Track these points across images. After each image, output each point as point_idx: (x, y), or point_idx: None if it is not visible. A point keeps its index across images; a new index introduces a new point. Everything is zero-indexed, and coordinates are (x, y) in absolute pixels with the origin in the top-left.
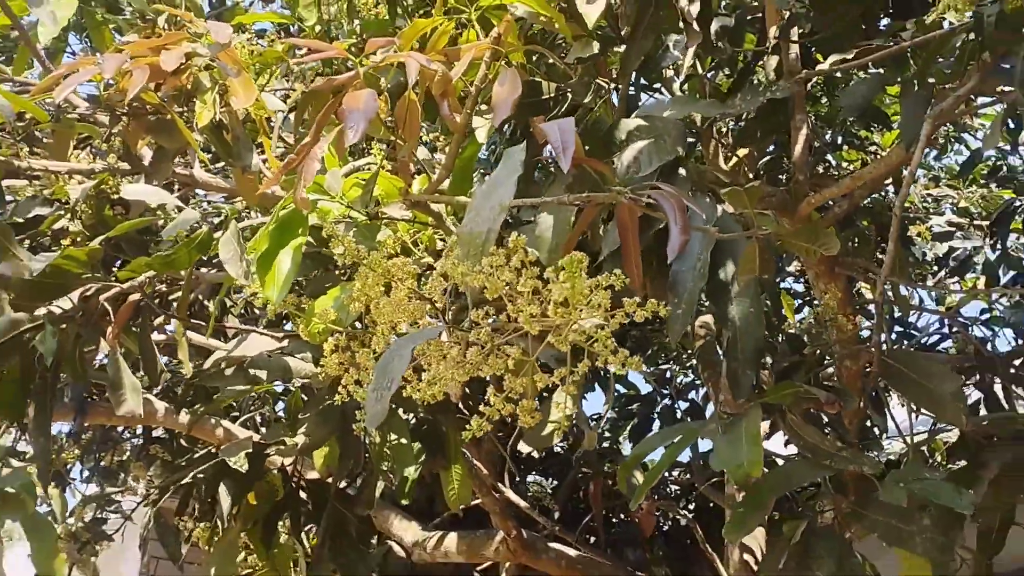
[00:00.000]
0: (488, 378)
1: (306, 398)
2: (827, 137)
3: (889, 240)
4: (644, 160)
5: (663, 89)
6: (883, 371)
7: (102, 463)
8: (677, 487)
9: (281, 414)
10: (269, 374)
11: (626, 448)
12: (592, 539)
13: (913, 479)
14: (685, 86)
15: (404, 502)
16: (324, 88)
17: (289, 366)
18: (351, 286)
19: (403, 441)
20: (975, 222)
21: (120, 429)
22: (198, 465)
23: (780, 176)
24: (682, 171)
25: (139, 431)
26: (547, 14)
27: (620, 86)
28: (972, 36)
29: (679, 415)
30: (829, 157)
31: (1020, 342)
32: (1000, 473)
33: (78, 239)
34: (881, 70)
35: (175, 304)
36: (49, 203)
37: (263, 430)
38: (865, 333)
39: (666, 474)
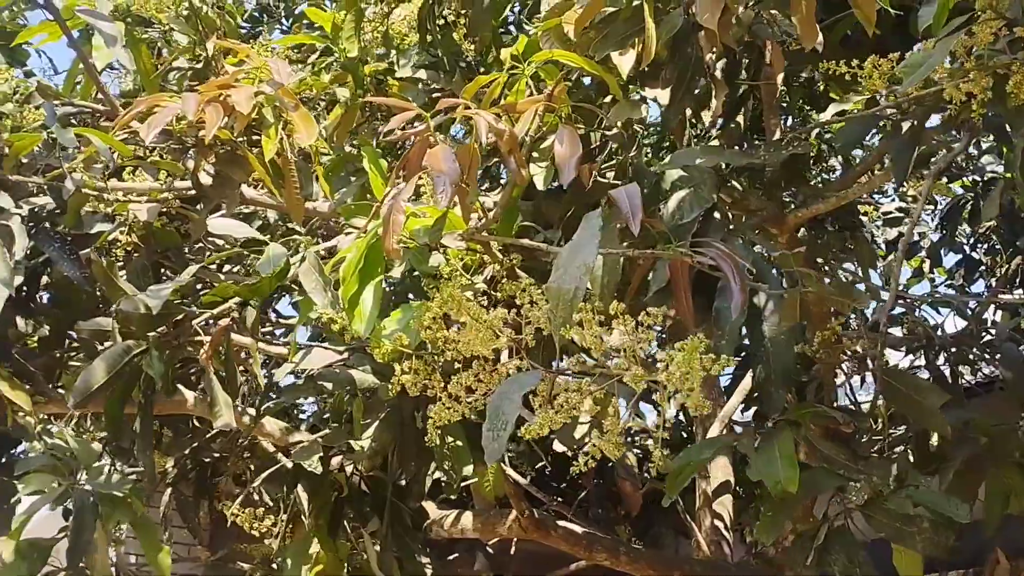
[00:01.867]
0: None
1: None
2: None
3: (891, 281)
4: (686, 208)
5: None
6: (883, 388)
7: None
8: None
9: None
10: (335, 385)
11: None
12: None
13: (915, 489)
14: (713, 132)
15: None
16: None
17: (354, 379)
18: (418, 309)
19: (459, 443)
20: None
21: None
22: (207, 446)
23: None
24: (716, 215)
25: None
26: (596, 72)
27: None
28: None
29: None
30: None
31: (964, 324)
32: (961, 468)
33: (128, 249)
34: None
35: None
36: (110, 219)
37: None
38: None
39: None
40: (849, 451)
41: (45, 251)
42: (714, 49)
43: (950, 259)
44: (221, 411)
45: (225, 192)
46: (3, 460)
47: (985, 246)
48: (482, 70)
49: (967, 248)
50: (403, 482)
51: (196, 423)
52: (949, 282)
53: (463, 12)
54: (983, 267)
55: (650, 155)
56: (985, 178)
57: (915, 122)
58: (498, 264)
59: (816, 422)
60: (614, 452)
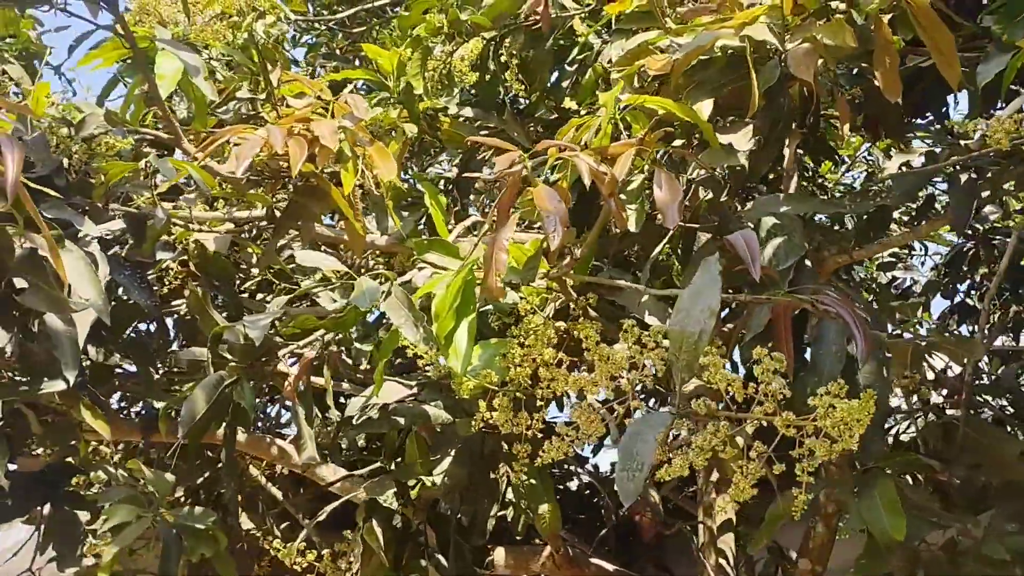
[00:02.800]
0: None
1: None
2: None
3: (978, 334)
4: (781, 256)
5: None
6: (965, 438)
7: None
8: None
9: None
10: (408, 420)
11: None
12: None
13: (1007, 535)
14: (792, 182)
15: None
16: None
17: (427, 413)
18: (502, 346)
19: (533, 482)
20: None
21: None
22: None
23: None
24: (807, 263)
25: None
26: (688, 118)
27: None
28: None
29: None
30: None
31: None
32: None
33: (180, 277)
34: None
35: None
36: (172, 247)
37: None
38: None
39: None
40: (943, 499)
41: (116, 278)
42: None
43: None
44: (306, 444)
45: (301, 223)
46: (68, 490)
47: (977, 293)
48: (538, 114)
49: (962, 295)
50: (463, 519)
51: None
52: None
53: (524, 53)
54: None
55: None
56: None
57: (973, 173)
58: (574, 303)
59: (912, 470)
60: (743, 496)
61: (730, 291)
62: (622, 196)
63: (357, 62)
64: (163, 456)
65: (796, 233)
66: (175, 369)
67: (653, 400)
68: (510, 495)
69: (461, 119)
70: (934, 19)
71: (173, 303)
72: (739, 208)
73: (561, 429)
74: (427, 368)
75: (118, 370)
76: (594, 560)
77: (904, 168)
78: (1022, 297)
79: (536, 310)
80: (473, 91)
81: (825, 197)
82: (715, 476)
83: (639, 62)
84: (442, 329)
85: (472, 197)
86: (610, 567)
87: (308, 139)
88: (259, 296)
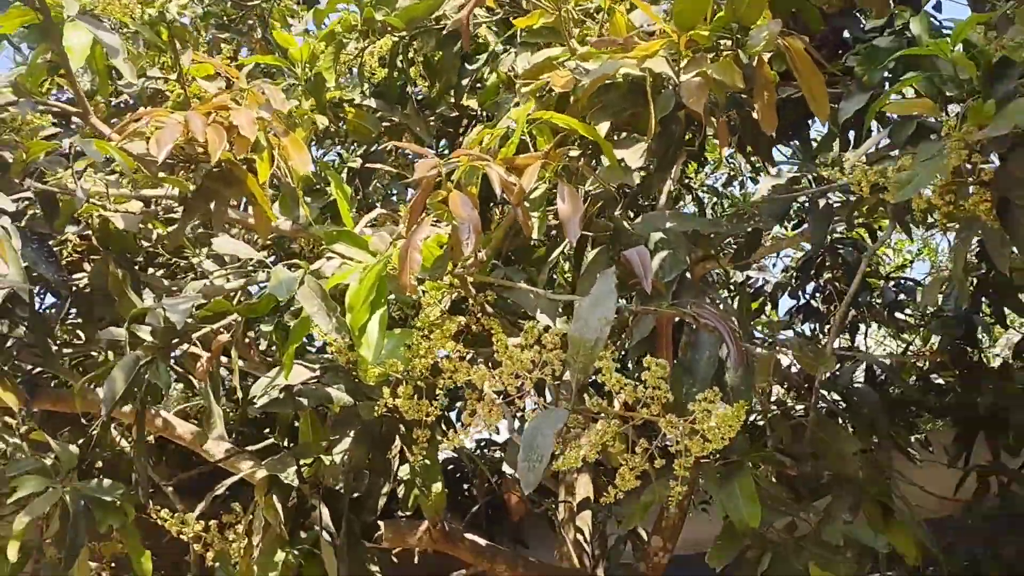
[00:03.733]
0: None
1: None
2: None
3: (829, 346)
4: (667, 269)
5: None
6: (811, 436)
7: None
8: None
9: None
10: (311, 401)
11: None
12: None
13: (843, 522)
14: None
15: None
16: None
17: (330, 395)
18: (408, 336)
19: (427, 463)
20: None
21: None
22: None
23: None
24: (688, 275)
25: None
26: (590, 136)
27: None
28: None
29: None
30: None
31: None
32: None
33: (80, 251)
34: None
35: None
36: (76, 222)
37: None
38: None
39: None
40: (791, 490)
41: (24, 252)
42: None
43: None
44: (216, 423)
45: (214, 207)
46: None
47: (821, 295)
48: (438, 110)
49: (807, 296)
50: (357, 495)
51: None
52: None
53: (431, 54)
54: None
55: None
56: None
57: (830, 199)
58: (472, 299)
59: (766, 463)
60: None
61: (620, 300)
62: (526, 204)
63: (253, 35)
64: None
65: (680, 248)
66: (73, 342)
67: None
68: (401, 473)
69: (365, 109)
70: (809, 64)
71: (73, 276)
72: (630, 218)
73: (466, 419)
74: (332, 353)
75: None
76: (468, 536)
77: (771, 190)
78: (859, 303)
79: (437, 303)
80: (377, 84)
81: (705, 216)
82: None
83: (544, 76)
84: (356, 321)
85: (372, 186)
86: (483, 542)
87: (226, 127)
88: (151, 271)
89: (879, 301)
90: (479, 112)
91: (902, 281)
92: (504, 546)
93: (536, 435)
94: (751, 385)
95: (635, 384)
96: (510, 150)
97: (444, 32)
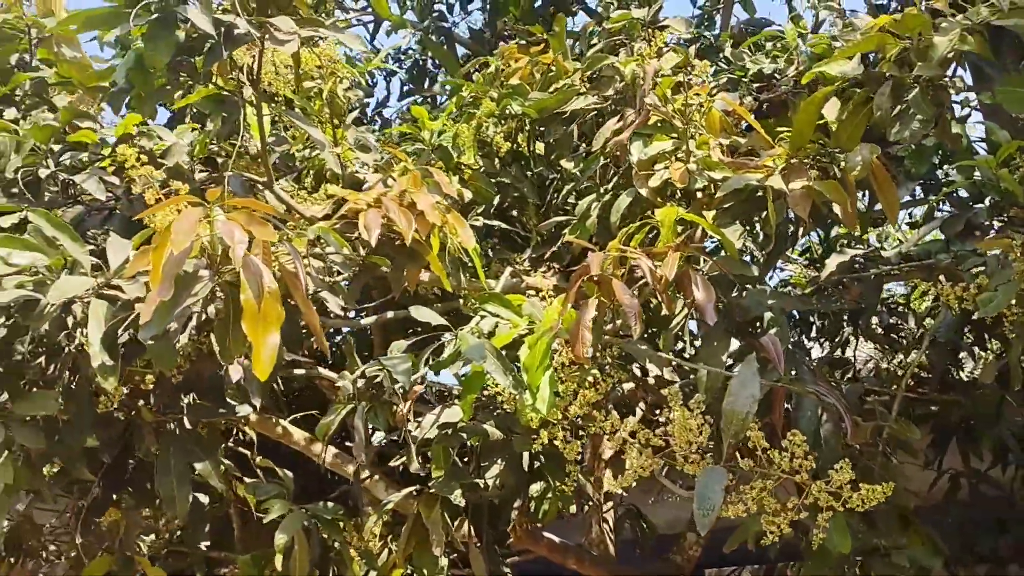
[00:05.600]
0: None
1: None
2: None
3: None
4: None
5: None
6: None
7: None
8: None
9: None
10: (470, 435)
11: None
12: None
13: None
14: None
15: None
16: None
17: (487, 431)
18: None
19: (564, 488)
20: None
21: None
22: None
23: None
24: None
25: None
26: (720, 236)
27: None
28: None
29: None
30: None
31: None
32: None
33: None
34: None
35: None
36: None
37: None
38: None
39: None
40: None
41: None
42: None
43: None
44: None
45: (406, 276)
46: None
47: None
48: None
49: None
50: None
51: None
52: None
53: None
54: None
55: None
56: None
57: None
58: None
59: None
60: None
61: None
62: None
63: None
64: None
65: (784, 326)
66: None
67: None
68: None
69: (477, 171)
70: (886, 178)
71: None
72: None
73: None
74: (502, 403)
75: None
76: (546, 534)
77: (838, 267)
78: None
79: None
80: (501, 157)
81: (801, 296)
82: (607, 455)
83: (658, 166)
84: (533, 380)
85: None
86: (557, 539)
87: (408, 206)
88: None
89: (876, 322)
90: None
91: (895, 306)
92: None
93: (708, 489)
94: (840, 441)
95: (780, 451)
96: (663, 244)
97: (563, 117)
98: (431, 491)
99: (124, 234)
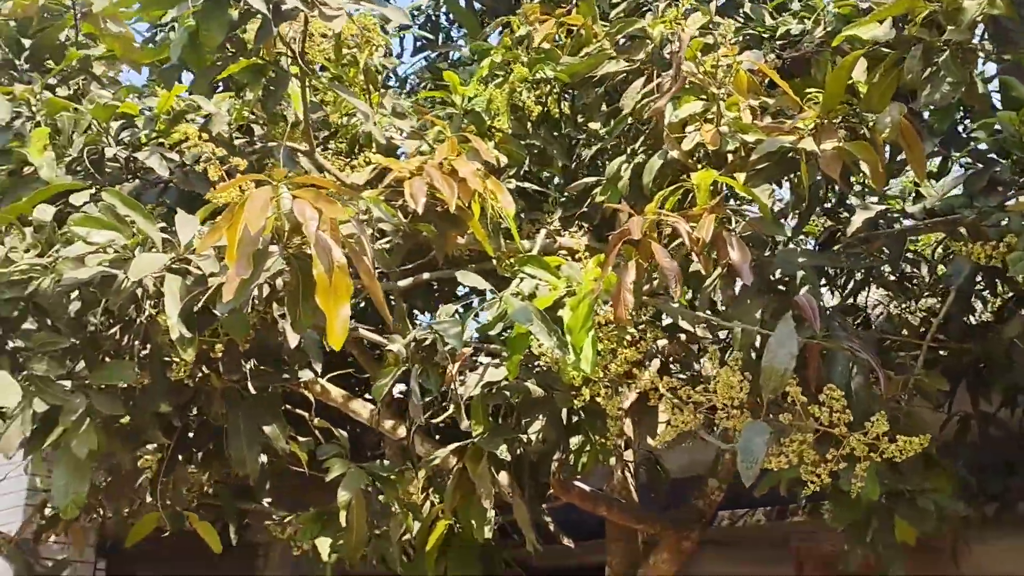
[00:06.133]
0: None
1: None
2: None
3: None
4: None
5: None
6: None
7: None
8: None
9: None
10: (513, 394)
11: None
12: None
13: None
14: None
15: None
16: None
17: (529, 389)
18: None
19: (604, 441)
20: None
21: None
22: None
23: None
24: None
25: None
26: (754, 198)
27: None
28: None
29: None
30: None
31: None
32: None
33: None
34: None
35: None
36: None
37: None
38: None
39: None
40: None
41: None
42: None
43: None
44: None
45: (447, 241)
46: None
47: None
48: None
49: None
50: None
51: None
52: None
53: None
54: None
55: None
56: None
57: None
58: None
59: None
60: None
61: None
62: None
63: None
64: None
65: (815, 285)
66: None
67: None
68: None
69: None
70: (914, 137)
71: None
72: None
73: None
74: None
75: None
76: (576, 484)
77: (865, 220)
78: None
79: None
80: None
81: (830, 253)
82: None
83: (689, 128)
84: (577, 341)
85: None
86: (588, 488)
87: (449, 173)
88: None
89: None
90: (601, 133)
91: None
92: None
93: (751, 443)
94: (873, 395)
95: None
96: (699, 207)
97: (595, 80)
98: (476, 446)
99: (181, 206)
